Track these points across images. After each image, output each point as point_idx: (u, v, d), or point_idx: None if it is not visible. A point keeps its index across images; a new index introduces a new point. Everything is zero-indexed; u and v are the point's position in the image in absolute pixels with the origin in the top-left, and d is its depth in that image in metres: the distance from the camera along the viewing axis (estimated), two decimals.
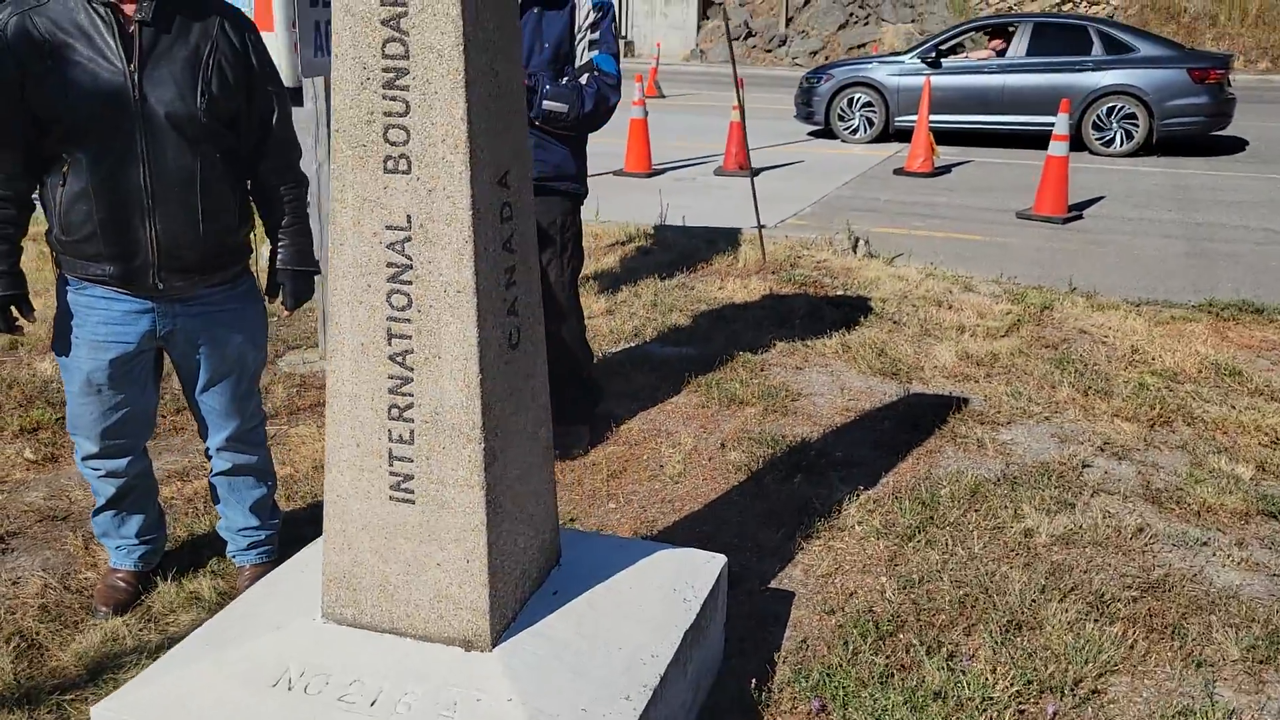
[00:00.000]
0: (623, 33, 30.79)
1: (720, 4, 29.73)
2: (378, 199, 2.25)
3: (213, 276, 3.03)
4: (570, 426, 4.31)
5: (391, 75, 2.18)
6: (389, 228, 2.26)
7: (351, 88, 2.22)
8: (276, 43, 4.36)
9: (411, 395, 2.34)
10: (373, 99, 2.21)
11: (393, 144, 2.21)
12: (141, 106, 2.77)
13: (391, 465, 2.40)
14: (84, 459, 3.12)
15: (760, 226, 7.21)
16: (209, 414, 3.20)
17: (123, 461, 3.14)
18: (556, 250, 4.06)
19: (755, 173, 12.11)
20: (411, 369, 2.32)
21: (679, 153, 12.83)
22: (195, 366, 3.10)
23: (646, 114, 11.47)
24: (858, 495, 3.86)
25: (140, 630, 3.13)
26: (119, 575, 3.31)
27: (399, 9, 2.14)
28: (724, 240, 7.66)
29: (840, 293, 6.39)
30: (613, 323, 5.75)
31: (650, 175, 11.48)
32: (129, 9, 2.78)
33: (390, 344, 2.32)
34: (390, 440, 2.38)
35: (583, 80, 3.88)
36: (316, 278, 3.27)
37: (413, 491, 2.40)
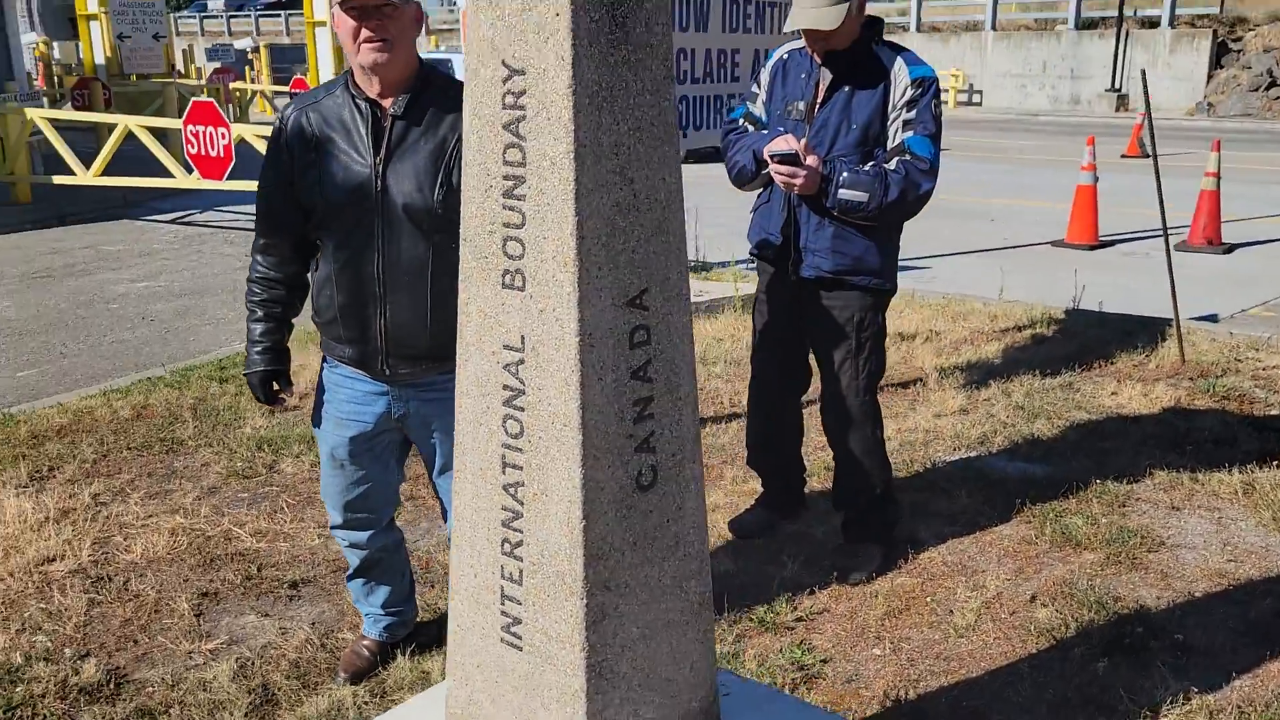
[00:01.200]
0: (1116, 85, 28.39)
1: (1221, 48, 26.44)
2: (496, 315, 2.06)
3: (444, 364, 2.99)
4: (858, 546, 3.83)
5: (510, 184, 1.98)
6: (506, 347, 2.05)
7: (478, 195, 2.05)
8: None
9: (522, 532, 2.11)
10: (494, 208, 2.02)
11: (510, 257, 2.01)
12: (382, 198, 2.82)
13: (503, 604, 2.18)
14: (332, 527, 3.24)
15: (1176, 319, 6.10)
16: (444, 496, 3.19)
17: (364, 534, 3.21)
18: (851, 350, 3.63)
19: (1229, 249, 10.46)
20: (522, 503, 2.09)
21: (1142, 221, 11.41)
22: (431, 450, 3.10)
23: (1096, 180, 10.32)
24: (1186, 699, 3.01)
25: (365, 703, 3.18)
26: (365, 643, 3.40)
27: (518, 113, 1.93)
28: (1143, 333, 6.59)
29: (1274, 413, 5.19)
30: (961, 425, 5.10)
31: (1094, 248, 10.29)
32: (386, 103, 2.84)
33: (504, 473, 2.11)
34: (502, 577, 2.17)
35: (890, 165, 3.44)
36: None
37: (520, 638, 2.16)
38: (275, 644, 3.44)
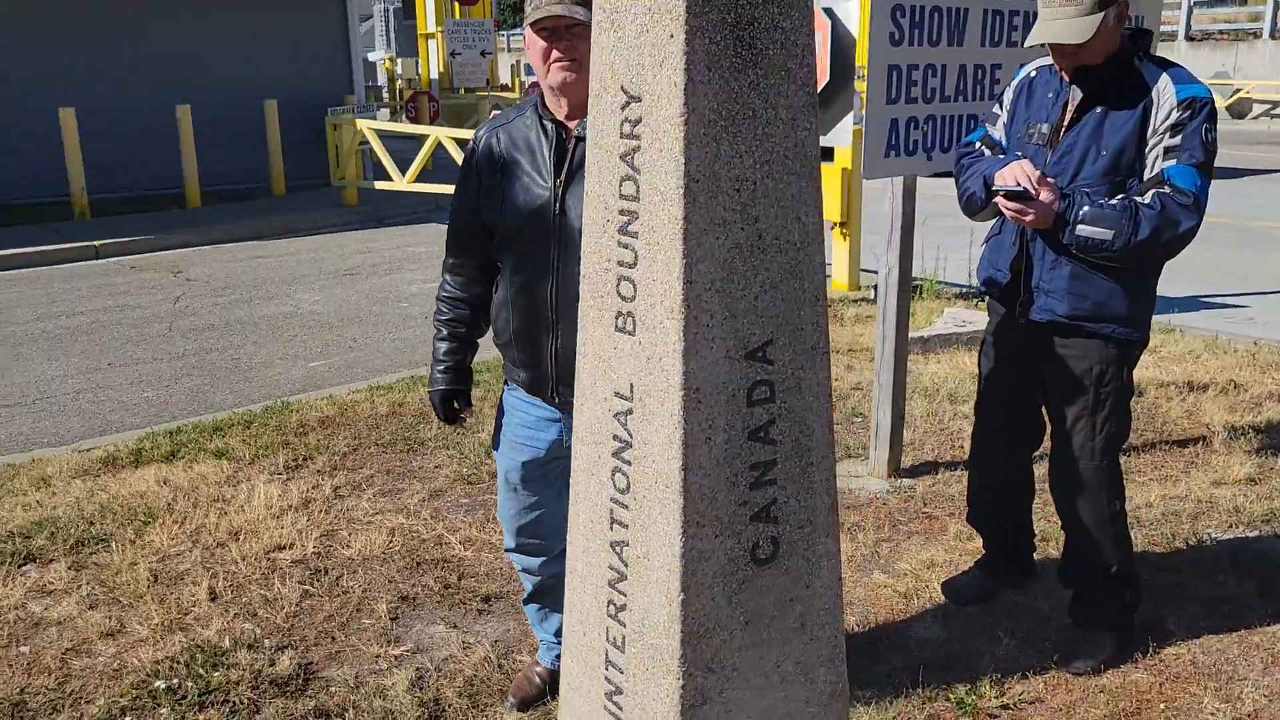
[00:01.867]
0: None
1: None
2: (609, 360, 1.91)
3: None
4: (1087, 629, 3.36)
5: (625, 219, 1.82)
6: (617, 394, 1.90)
7: (595, 229, 1.91)
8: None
9: (626, 595, 1.95)
10: (610, 245, 1.87)
11: (623, 299, 1.85)
12: (559, 221, 2.75)
13: (607, 670, 2.02)
14: (506, 549, 3.22)
15: None
16: None
17: (536, 560, 3.16)
18: (1087, 406, 3.18)
19: None
20: (627, 564, 1.93)
21: None
22: None
23: None
24: None
25: None
26: (538, 669, 3.35)
27: (634, 143, 1.78)
28: None
29: None
30: (1245, 497, 4.40)
31: None
32: (572, 125, 2.78)
33: (612, 529, 1.96)
34: (607, 640, 2.01)
35: (1145, 199, 2.97)
36: None
37: (621, 709, 2.00)
38: (456, 658, 3.46)
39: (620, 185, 1.81)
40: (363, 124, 13.50)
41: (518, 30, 49.73)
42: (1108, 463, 3.20)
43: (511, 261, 2.85)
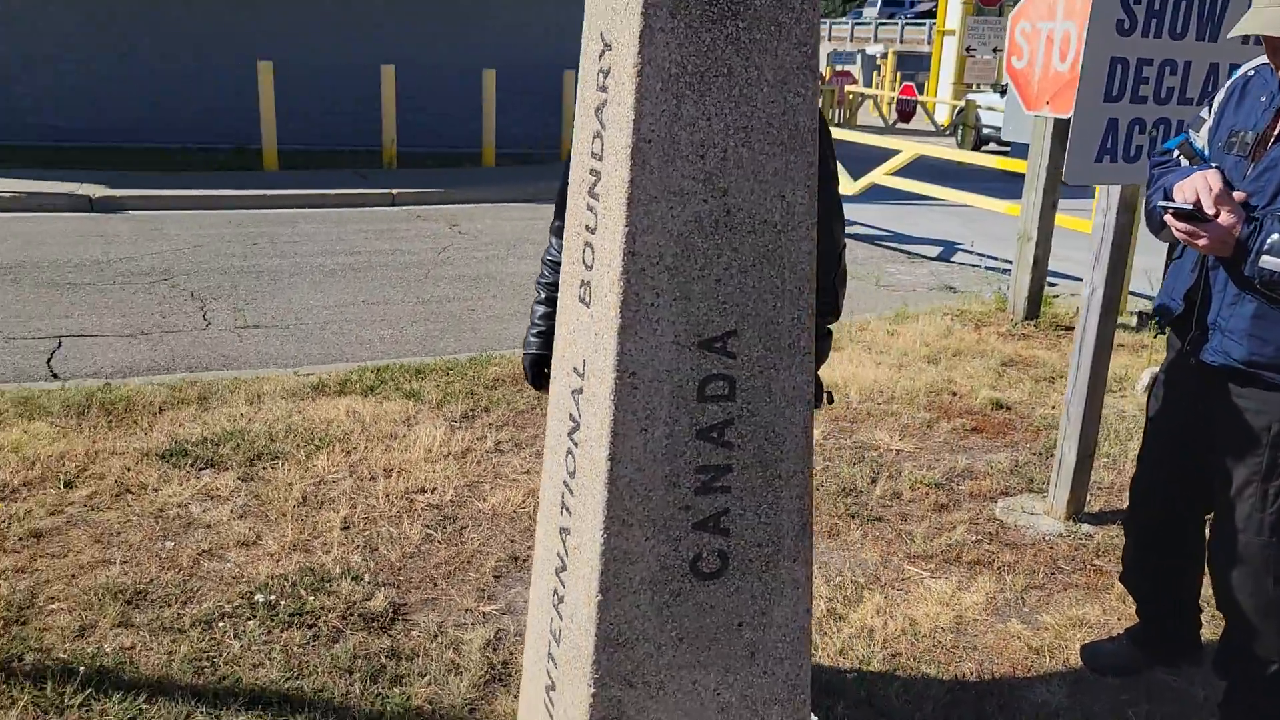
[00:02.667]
0: None
1: None
2: (574, 331, 1.77)
3: None
4: None
5: (594, 179, 1.67)
6: (574, 370, 1.76)
7: (575, 188, 1.78)
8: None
9: (565, 587, 1.80)
10: (581, 206, 1.73)
11: (586, 266, 1.71)
12: None
13: (548, 663, 1.89)
14: None
15: None
16: None
17: None
18: (1259, 470, 2.66)
19: None
20: (567, 554, 1.79)
21: None
22: None
23: None
24: None
25: None
26: None
27: (603, 95, 1.62)
28: None
29: None
30: None
31: None
32: None
33: (561, 514, 1.82)
34: (549, 631, 1.88)
35: None
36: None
37: (554, 706, 1.86)
38: None
39: (592, 142, 1.66)
40: None
41: (840, 19, 49.05)
42: (1277, 540, 2.67)
43: None
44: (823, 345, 2.63)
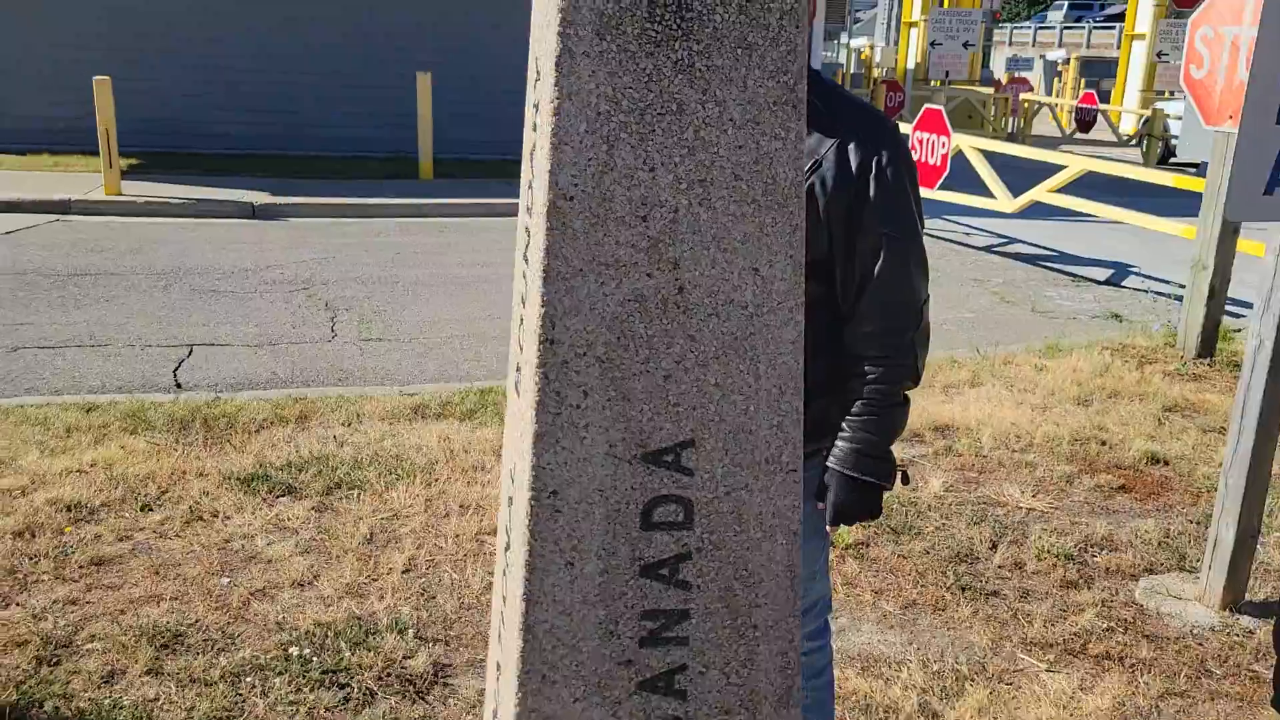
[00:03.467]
0: None
1: None
2: (510, 428, 1.43)
3: None
4: None
5: (526, 239, 1.34)
6: (509, 474, 1.42)
7: (519, 252, 1.43)
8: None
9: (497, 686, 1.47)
10: (518, 274, 1.39)
11: (520, 347, 1.37)
12: None
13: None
14: None
15: None
16: None
17: None
18: None
19: None
20: (498, 698, 1.45)
21: None
22: None
23: None
24: None
25: None
26: None
27: (534, 136, 1.28)
28: None
29: None
30: None
31: None
32: None
33: (496, 642, 1.48)
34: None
35: None
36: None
37: None
38: None
39: (525, 192, 1.32)
40: None
41: (1022, 23, 46.79)
42: None
43: None
44: (898, 414, 2.21)
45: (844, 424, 2.20)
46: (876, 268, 2.17)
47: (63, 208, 10.92)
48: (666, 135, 1.17)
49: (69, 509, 4.06)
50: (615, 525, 1.26)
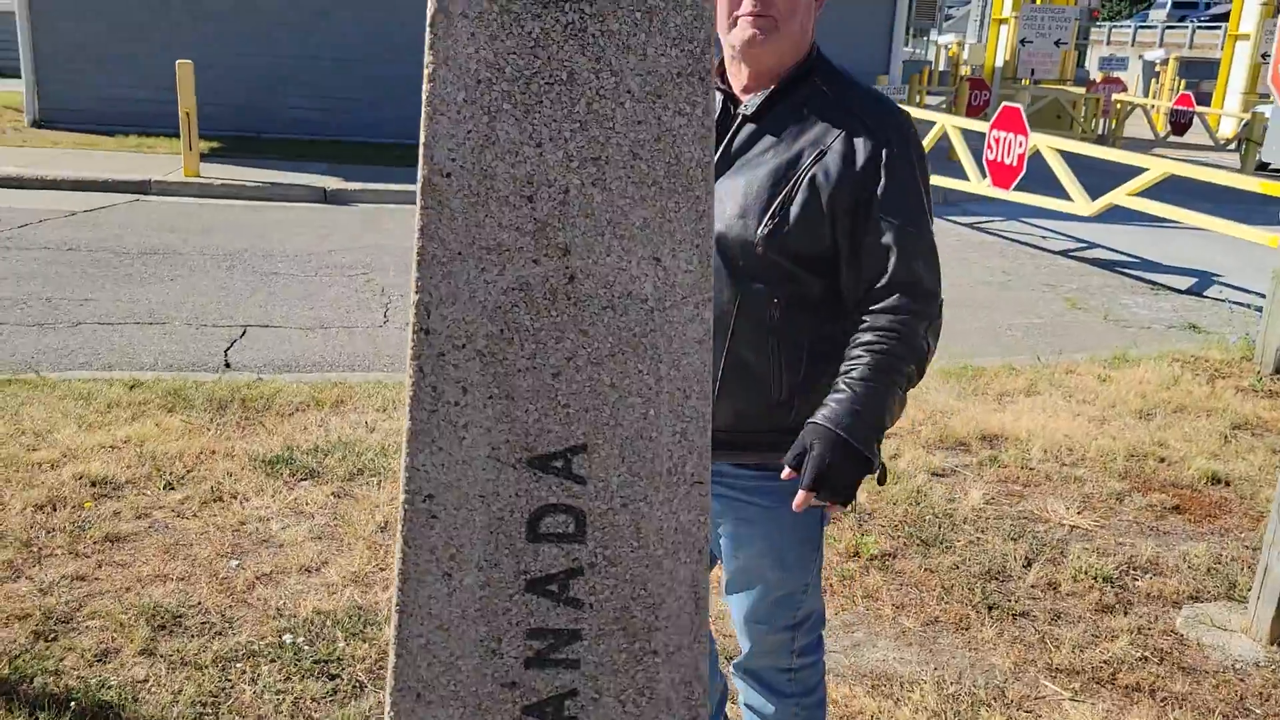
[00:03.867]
0: None
1: None
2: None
3: (741, 454, 2.21)
4: None
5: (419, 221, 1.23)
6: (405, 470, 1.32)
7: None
8: None
9: None
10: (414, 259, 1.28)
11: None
12: None
13: None
14: None
15: None
16: (735, 623, 2.42)
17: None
18: None
19: None
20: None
21: None
22: (717, 555, 2.37)
23: None
24: None
25: None
26: None
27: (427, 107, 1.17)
28: None
29: None
30: None
31: None
32: (745, 99, 2.16)
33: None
34: None
35: None
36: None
37: None
38: None
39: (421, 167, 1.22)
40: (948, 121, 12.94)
41: (1122, 22, 45.25)
42: None
43: None
44: (897, 394, 2.04)
45: (839, 383, 2.02)
46: (887, 262, 2.04)
47: (142, 188, 11.17)
48: (555, 107, 1.05)
49: (94, 484, 4.09)
50: (498, 535, 1.15)
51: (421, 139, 1.06)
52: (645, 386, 1.13)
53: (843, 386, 2.00)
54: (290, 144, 14.30)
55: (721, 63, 2.22)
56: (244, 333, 6.63)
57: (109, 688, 2.89)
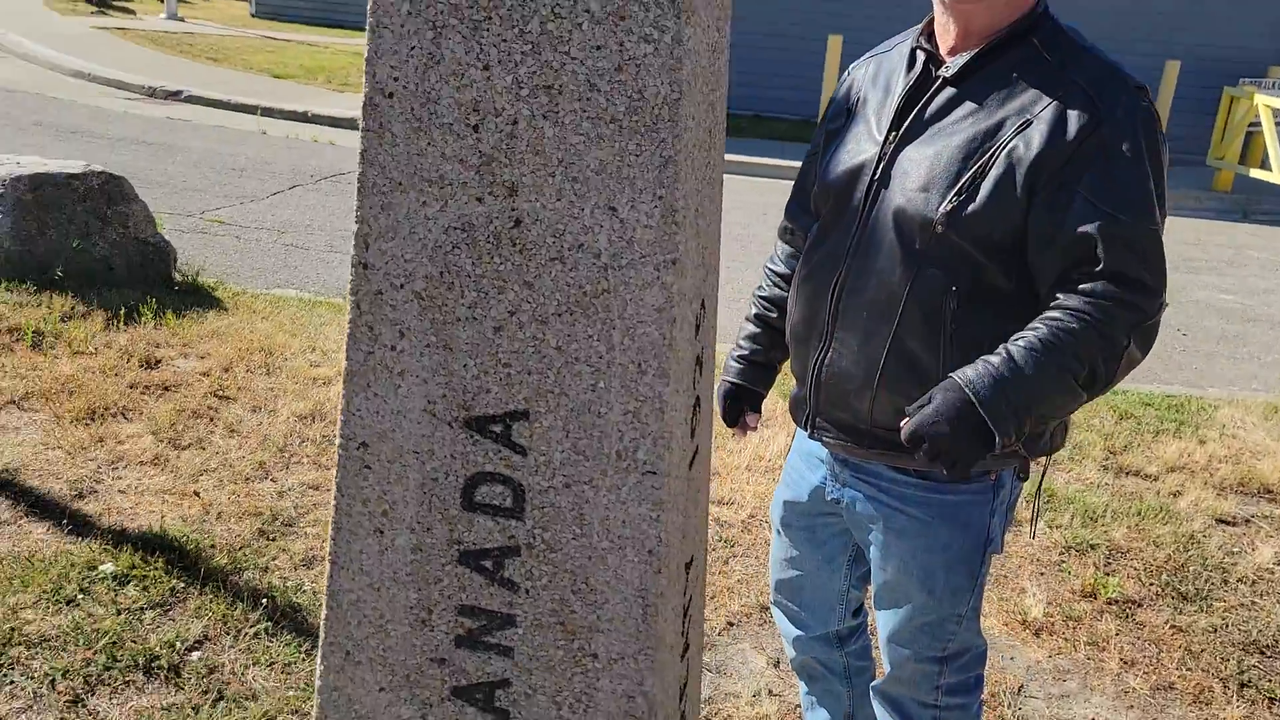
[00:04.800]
0: None
1: None
2: None
3: (900, 457, 1.98)
4: None
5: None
6: None
7: None
8: None
9: None
10: None
11: None
12: (876, 192, 1.94)
13: None
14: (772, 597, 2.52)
15: None
16: (881, 641, 2.21)
17: (790, 629, 2.41)
18: None
19: None
20: None
21: None
22: (868, 564, 2.16)
23: None
24: None
25: None
26: None
27: None
28: None
29: None
30: None
31: None
32: (948, 60, 1.94)
33: None
34: None
35: None
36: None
37: None
38: (714, 691, 2.86)
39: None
40: (1261, 100, 11.46)
41: None
42: None
43: (813, 237, 2.10)
44: (1065, 375, 1.77)
45: (1000, 348, 1.77)
46: (1093, 251, 1.74)
47: None
48: (505, 25, 0.92)
49: None
50: (432, 497, 1.05)
51: (365, 54, 0.97)
52: (594, 354, 0.98)
53: (1001, 350, 1.75)
54: None
55: (931, 21, 1.99)
56: None
57: (303, 592, 3.08)
